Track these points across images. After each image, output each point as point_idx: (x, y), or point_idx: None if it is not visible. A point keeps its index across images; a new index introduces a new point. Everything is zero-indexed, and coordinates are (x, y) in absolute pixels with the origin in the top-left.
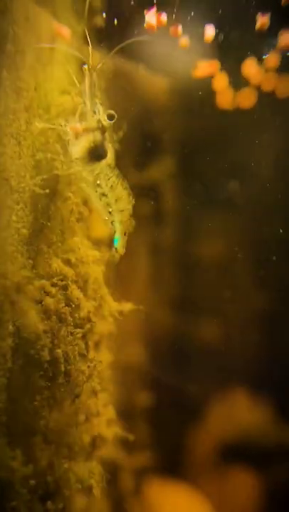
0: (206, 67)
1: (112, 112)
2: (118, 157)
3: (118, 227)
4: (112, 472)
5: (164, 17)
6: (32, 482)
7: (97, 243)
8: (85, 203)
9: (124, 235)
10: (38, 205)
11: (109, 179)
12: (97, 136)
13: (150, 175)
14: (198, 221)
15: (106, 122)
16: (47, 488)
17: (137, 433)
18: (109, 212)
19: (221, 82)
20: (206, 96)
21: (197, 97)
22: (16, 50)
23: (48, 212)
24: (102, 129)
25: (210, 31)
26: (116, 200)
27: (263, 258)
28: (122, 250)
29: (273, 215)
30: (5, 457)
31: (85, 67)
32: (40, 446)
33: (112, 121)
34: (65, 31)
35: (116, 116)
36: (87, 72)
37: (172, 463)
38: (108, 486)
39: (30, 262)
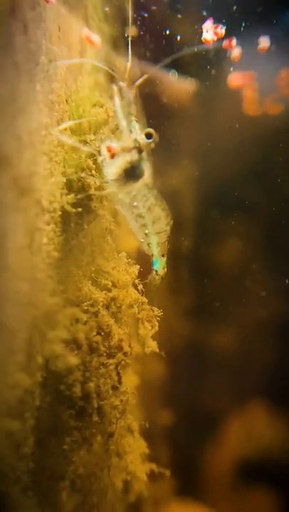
0: (242, 78)
1: (150, 130)
2: None
3: (155, 250)
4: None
5: (221, 30)
6: None
7: (136, 265)
8: (116, 217)
9: (163, 256)
10: (69, 225)
11: (146, 200)
12: (134, 155)
13: (170, 181)
14: (216, 228)
15: (144, 141)
16: None
17: (157, 450)
18: (146, 234)
19: (252, 92)
20: (229, 102)
21: (220, 103)
22: (49, 61)
23: (79, 232)
24: (139, 149)
25: (265, 42)
26: (153, 222)
27: (281, 266)
28: (162, 272)
29: None
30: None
31: (122, 84)
32: (67, 494)
33: (151, 141)
34: (96, 39)
35: (155, 134)
36: (123, 89)
37: (190, 483)
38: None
39: (60, 287)
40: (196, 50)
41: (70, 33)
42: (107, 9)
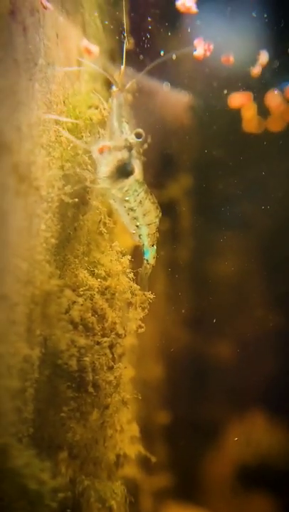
0: (240, 98)
1: (140, 130)
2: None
3: (146, 240)
4: (132, 493)
5: (211, 46)
6: (61, 495)
7: (125, 255)
8: (111, 214)
9: (153, 246)
10: (66, 215)
11: (138, 195)
12: (125, 154)
13: (168, 192)
14: (214, 239)
15: (134, 141)
16: (68, 504)
17: (155, 453)
18: (137, 226)
19: (250, 111)
20: (226, 117)
21: (218, 118)
22: (47, 64)
23: (75, 222)
24: (130, 147)
25: (264, 58)
26: (144, 215)
27: (279, 277)
28: (153, 261)
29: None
30: (35, 469)
31: (114, 89)
32: (66, 460)
33: (140, 140)
34: (94, 49)
35: (144, 134)
36: (115, 93)
37: (190, 487)
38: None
39: (58, 271)
40: (174, 57)
41: (68, 40)
42: (106, 23)
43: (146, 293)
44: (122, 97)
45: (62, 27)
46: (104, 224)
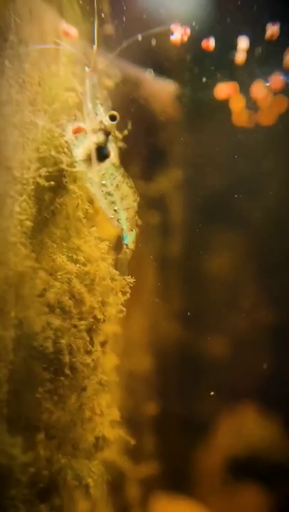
0: (226, 89)
1: (114, 112)
2: (123, 158)
3: (125, 224)
4: (118, 482)
5: (188, 31)
6: (32, 470)
7: (103, 240)
8: (91, 200)
9: (132, 231)
10: (42, 198)
11: (114, 178)
12: (100, 137)
13: (158, 186)
14: (205, 234)
15: (108, 123)
16: (43, 481)
17: (143, 443)
18: (115, 211)
19: (238, 104)
20: (217, 110)
21: (208, 110)
22: (19, 41)
23: (52, 206)
24: (105, 130)
25: (244, 43)
26: (121, 199)
27: (271, 273)
28: (132, 245)
29: (282, 231)
30: (5, 444)
31: (87, 69)
32: (42, 441)
33: (115, 122)
34: (73, 31)
35: (118, 116)
36: (88, 73)
37: (180, 477)
38: (114, 495)
39: (34, 255)
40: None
41: (43, 20)
42: (81, 3)
43: (126, 277)
44: (95, 77)
45: (36, 5)
46: (83, 209)
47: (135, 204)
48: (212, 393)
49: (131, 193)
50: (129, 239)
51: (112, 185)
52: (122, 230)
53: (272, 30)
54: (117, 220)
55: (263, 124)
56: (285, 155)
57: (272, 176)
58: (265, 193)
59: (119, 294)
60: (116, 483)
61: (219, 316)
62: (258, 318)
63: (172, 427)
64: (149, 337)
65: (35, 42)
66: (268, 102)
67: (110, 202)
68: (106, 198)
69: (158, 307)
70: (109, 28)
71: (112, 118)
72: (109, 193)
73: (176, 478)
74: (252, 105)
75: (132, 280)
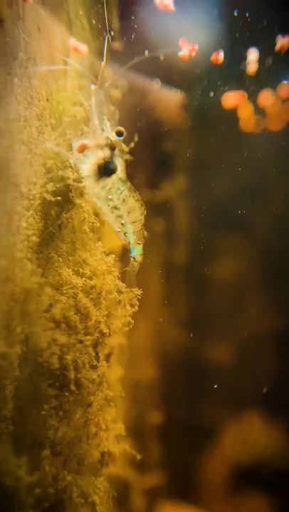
0: (234, 98)
1: (120, 128)
2: (130, 168)
3: (132, 238)
4: (123, 492)
5: (196, 46)
6: (37, 491)
7: (109, 254)
8: (97, 214)
9: (139, 243)
10: (49, 213)
11: (121, 193)
12: (107, 152)
13: (163, 193)
14: (211, 241)
15: (115, 139)
16: (49, 500)
17: (149, 453)
18: (122, 224)
19: (247, 111)
20: (222, 116)
21: (213, 117)
22: (28, 58)
23: (58, 220)
24: (111, 146)
25: (253, 55)
26: (128, 213)
27: (276, 280)
28: (140, 259)
29: (287, 237)
30: (11, 465)
31: (93, 87)
32: (48, 458)
33: (122, 138)
34: (82, 47)
35: (124, 132)
36: (95, 90)
37: (185, 486)
38: (119, 506)
39: (40, 270)
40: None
41: (51, 35)
42: (93, 22)
43: (133, 289)
44: (102, 94)
45: (45, 22)
46: (89, 223)
47: (142, 217)
48: (215, 386)
49: (138, 206)
50: (137, 252)
51: (118, 199)
52: (129, 243)
53: (282, 42)
54: (124, 234)
55: (271, 130)
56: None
57: (277, 183)
58: (271, 200)
59: (128, 307)
60: (121, 495)
61: (224, 323)
62: (262, 325)
63: (178, 435)
64: (154, 345)
65: (44, 58)
66: (276, 110)
67: (117, 216)
68: (113, 212)
69: (164, 315)
70: (118, 45)
71: (119, 134)
72: (116, 207)
73: (182, 487)
74: (260, 112)
75: (139, 292)
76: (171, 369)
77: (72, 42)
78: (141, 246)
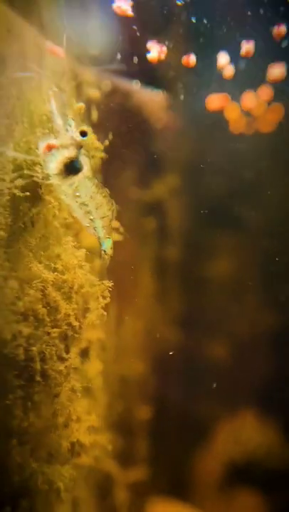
0: (217, 100)
1: (84, 128)
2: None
3: (101, 232)
4: (105, 486)
5: (164, 49)
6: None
7: (80, 248)
8: (69, 210)
9: (108, 238)
10: (18, 208)
11: (88, 190)
12: (72, 152)
13: (153, 192)
14: (204, 240)
15: (79, 139)
16: (13, 487)
17: (138, 448)
18: (91, 219)
19: (234, 112)
20: (211, 117)
21: (201, 117)
22: None
23: (28, 215)
24: (77, 145)
25: (223, 59)
26: (96, 208)
27: (271, 278)
28: (110, 251)
29: (281, 235)
30: None
31: (52, 90)
32: (15, 447)
33: (85, 138)
34: (59, 50)
35: (88, 133)
36: (55, 93)
37: (177, 483)
38: (101, 499)
39: (8, 264)
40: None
41: (23, 38)
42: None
43: (104, 282)
44: (63, 96)
45: (16, 23)
46: (61, 219)
47: (110, 213)
48: (214, 385)
49: (105, 202)
50: (107, 245)
51: (86, 196)
52: (99, 237)
53: (246, 47)
54: (94, 228)
55: (262, 131)
56: (285, 161)
57: (270, 180)
58: (264, 197)
59: (100, 299)
60: (103, 488)
61: (219, 321)
62: (258, 323)
63: (170, 432)
64: (146, 342)
65: (15, 59)
66: (261, 111)
67: (86, 212)
68: (81, 208)
69: (157, 312)
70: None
71: (83, 134)
72: (84, 204)
73: (174, 484)
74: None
75: (110, 284)
76: (165, 365)
77: (48, 44)
78: (110, 240)
